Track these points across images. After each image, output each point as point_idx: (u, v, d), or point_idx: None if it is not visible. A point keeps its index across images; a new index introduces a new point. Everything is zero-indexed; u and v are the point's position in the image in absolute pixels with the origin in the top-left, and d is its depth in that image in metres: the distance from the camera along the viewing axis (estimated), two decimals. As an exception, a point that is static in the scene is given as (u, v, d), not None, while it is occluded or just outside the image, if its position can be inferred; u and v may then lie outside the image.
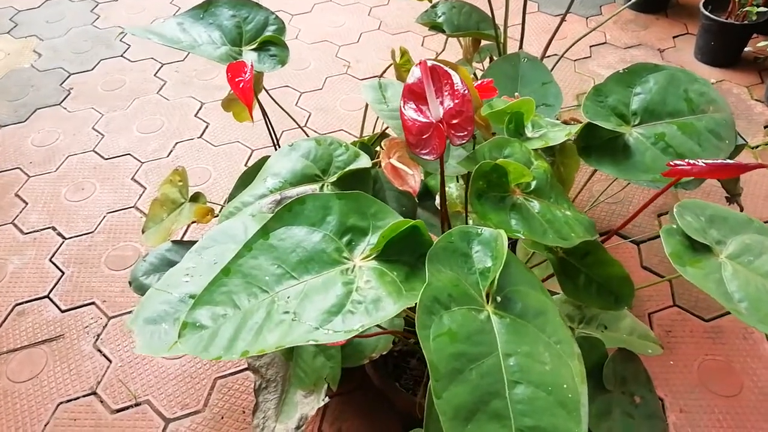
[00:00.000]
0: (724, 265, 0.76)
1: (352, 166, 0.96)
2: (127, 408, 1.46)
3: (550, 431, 0.57)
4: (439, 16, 1.48)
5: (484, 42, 1.63)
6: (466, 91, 0.69)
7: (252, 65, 1.08)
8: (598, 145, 0.84)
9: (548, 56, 2.63)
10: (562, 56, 1.68)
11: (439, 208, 1.09)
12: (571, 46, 1.58)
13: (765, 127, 2.16)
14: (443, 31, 1.46)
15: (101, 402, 1.47)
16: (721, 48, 2.42)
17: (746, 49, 2.48)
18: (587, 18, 2.80)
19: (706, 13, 2.36)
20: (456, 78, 0.70)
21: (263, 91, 1.37)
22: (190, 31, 1.24)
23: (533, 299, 0.67)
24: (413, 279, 0.63)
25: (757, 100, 2.28)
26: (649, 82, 0.88)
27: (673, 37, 2.65)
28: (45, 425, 1.43)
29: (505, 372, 0.60)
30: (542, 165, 0.78)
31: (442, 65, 0.71)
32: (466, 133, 0.70)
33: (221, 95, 1.40)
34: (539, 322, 0.65)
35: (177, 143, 2.22)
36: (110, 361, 1.54)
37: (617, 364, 0.94)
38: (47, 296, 1.71)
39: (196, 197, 1.29)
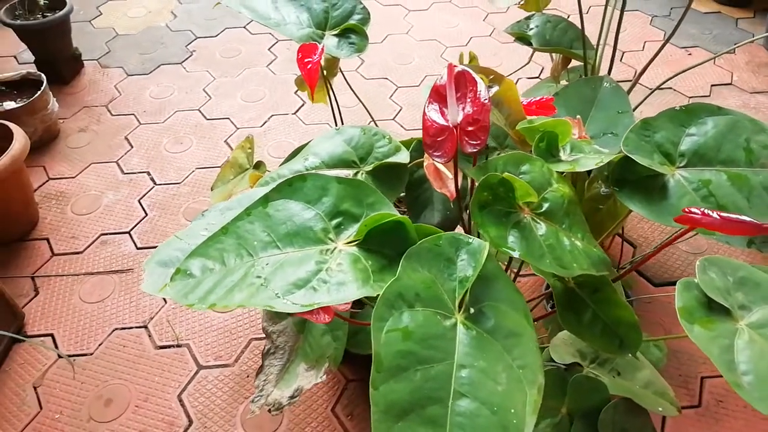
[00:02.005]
0: (740, 332, 0.70)
1: (391, 159, 0.98)
2: (169, 347, 1.58)
3: (483, 451, 0.57)
4: (531, 29, 1.45)
5: (578, 63, 1.57)
6: (487, 101, 0.69)
7: (323, 48, 1.12)
8: (634, 180, 0.80)
9: (662, 88, 2.49)
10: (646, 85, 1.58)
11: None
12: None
13: None
14: (530, 44, 1.43)
15: (149, 336, 1.60)
16: None
17: None
18: (716, 54, 2.59)
19: None
20: (481, 86, 0.70)
21: (341, 76, 1.41)
22: (282, 9, 1.31)
23: (510, 319, 0.66)
24: (387, 272, 0.64)
25: None
26: (707, 125, 0.81)
27: (812, 89, 2.39)
28: (99, 345, 1.58)
29: (454, 382, 0.60)
30: (562, 189, 0.75)
31: (472, 72, 0.71)
32: (479, 141, 0.69)
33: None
34: (509, 342, 0.64)
35: (272, 116, 2.34)
36: (165, 302, 1.68)
37: (619, 414, 0.89)
38: (128, 232, 1.88)
39: (258, 165, 1.36)
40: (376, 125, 1.36)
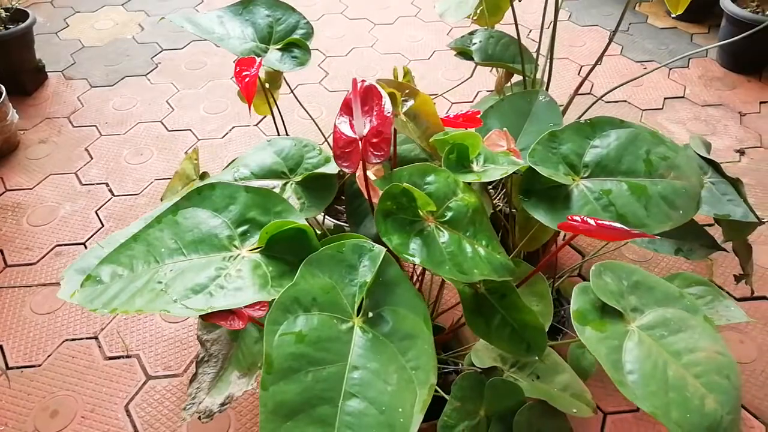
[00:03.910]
0: (631, 333, 0.73)
1: (320, 170, 1.01)
2: (118, 357, 1.58)
3: (369, 448, 0.59)
4: (473, 44, 1.50)
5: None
6: (389, 114, 0.72)
7: (260, 62, 1.15)
8: (540, 190, 0.83)
9: (618, 101, 2.56)
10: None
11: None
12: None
13: (836, 214, 1.97)
14: (472, 59, 1.47)
15: (99, 347, 1.60)
16: (808, 122, 2.23)
17: (840, 127, 2.28)
18: (670, 69, 2.68)
19: (797, 82, 2.19)
20: (386, 100, 0.73)
21: (290, 91, 1.44)
22: (227, 24, 1.34)
23: (408, 323, 0.68)
24: (287, 277, 0.67)
25: (834, 184, 2.09)
26: (610, 137, 0.85)
27: (761, 103, 2.47)
28: (48, 356, 1.58)
29: (345, 383, 0.62)
30: (467, 199, 0.78)
31: (378, 87, 0.75)
32: (382, 153, 0.72)
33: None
34: (404, 345, 0.66)
35: (234, 127, 2.36)
36: (137, 313, 1.68)
37: (534, 416, 0.92)
38: (83, 243, 1.88)
39: (203, 176, 1.38)
40: (327, 142, 1.40)
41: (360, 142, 0.73)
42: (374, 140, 0.73)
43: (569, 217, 0.67)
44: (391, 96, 0.82)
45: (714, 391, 0.71)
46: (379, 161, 0.73)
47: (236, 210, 0.71)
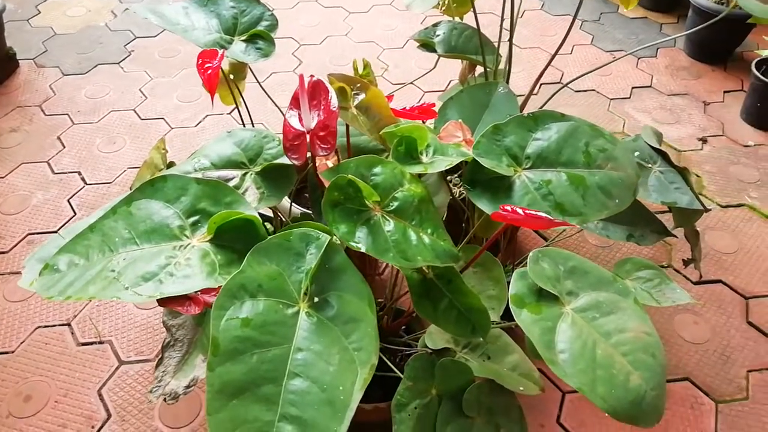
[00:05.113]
0: (565, 315, 0.78)
1: (279, 161, 1.04)
2: (91, 344, 1.61)
3: (310, 424, 0.63)
4: (437, 36, 1.53)
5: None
6: (335, 109, 0.75)
7: (222, 54, 1.18)
8: (484, 180, 0.87)
9: (585, 90, 2.61)
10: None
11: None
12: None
13: (791, 201, 2.04)
14: (434, 51, 1.51)
15: (72, 334, 1.63)
16: (768, 111, 2.30)
17: (799, 116, 2.35)
18: (639, 59, 2.73)
19: (757, 73, 2.26)
20: (332, 95, 0.77)
21: (257, 82, 1.46)
22: (192, 15, 1.36)
23: (352, 307, 0.72)
24: (234, 265, 0.70)
25: (792, 171, 2.16)
26: (551, 130, 0.89)
27: (725, 92, 2.54)
28: (21, 343, 1.60)
29: (290, 363, 0.66)
30: (413, 189, 0.82)
31: (324, 82, 0.78)
32: (329, 146, 0.76)
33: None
34: (348, 328, 0.71)
35: (207, 116, 2.37)
36: (90, 300, 1.71)
37: (483, 394, 0.97)
38: (56, 232, 1.89)
39: (170, 165, 1.40)
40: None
41: (308, 135, 0.76)
42: (321, 133, 0.76)
43: (501, 207, 0.71)
44: (341, 90, 0.85)
45: (640, 368, 0.76)
46: (325, 153, 0.76)
47: (187, 201, 0.74)
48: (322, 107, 0.77)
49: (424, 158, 0.90)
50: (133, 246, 0.71)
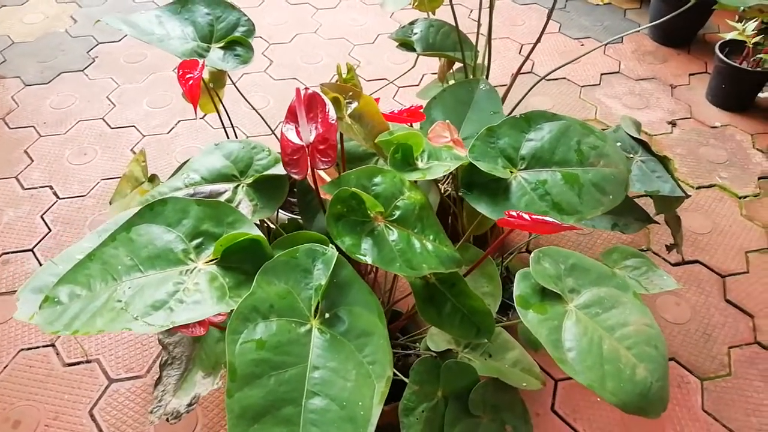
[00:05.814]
0: (569, 313, 0.79)
1: (270, 171, 1.03)
2: (78, 363, 1.57)
3: (333, 442, 0.63)
4: (414, 34, 1.53)
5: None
6: (334, 121, 0.75)
7: (203, 64, 1.15)
8: (481, 183, 0.88)
9: (557, 78, 2.64)
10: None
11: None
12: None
13: (759, 179, 2.11)
14: (413, 50, 1.51)
15: (57, 354, 1.59)
16: (732, 92, 2.37)
17: (761, 95, 2.42)
18: (606, 45, 2.77)
19: (721, 55, 2.32)
20: (329, 107, 0.76)
21: (235, 88, 1.44)
22: (166, 24, 1.33)
23: (363, 320, 0.72)
24: (244, 287, 0.69)
25: (758, 149, 2.23)
26: (544, 130, 0.91)
27: (690, 75, 2.60)
28: (4, 367, 1.56)
29: (307, 382, 0.66)
30: (413, 196, 0.82)
31: (321, 94, 0.77)
32: (329, 159, 0.75)
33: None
34: (361, 341, 0.71)
35: (180, 121, 2.33)
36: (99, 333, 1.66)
37: (488, 392, 0.99)
38: (31, 250, 1.84)
39: (152, 179, 1.38)
40: (274, 134, 1.40)
41: (307, 149, 0.76)
42: (321, 147, 0.76)
43: (507, 213, 0.72)
44: (335, 101, 0.85)
45: (644, 360, 0.78)
46: (326, 167, 0.76)
47: (189, 224, 0.73)
48: (320, 120, 0.76)
49: (420, 164, 0.90)
50: (138, 273, 0.69)
